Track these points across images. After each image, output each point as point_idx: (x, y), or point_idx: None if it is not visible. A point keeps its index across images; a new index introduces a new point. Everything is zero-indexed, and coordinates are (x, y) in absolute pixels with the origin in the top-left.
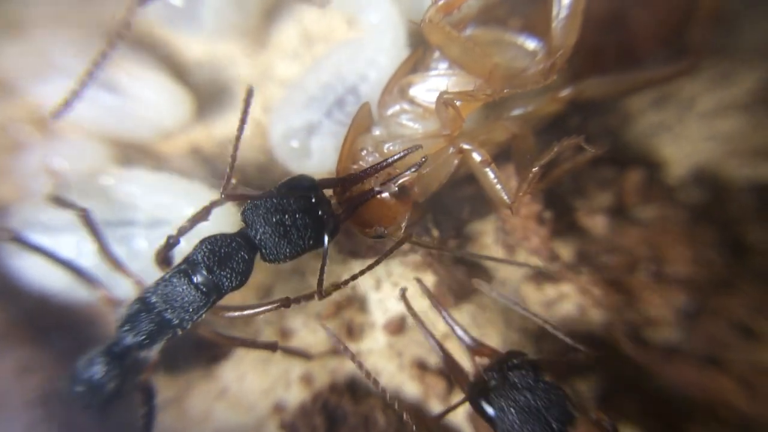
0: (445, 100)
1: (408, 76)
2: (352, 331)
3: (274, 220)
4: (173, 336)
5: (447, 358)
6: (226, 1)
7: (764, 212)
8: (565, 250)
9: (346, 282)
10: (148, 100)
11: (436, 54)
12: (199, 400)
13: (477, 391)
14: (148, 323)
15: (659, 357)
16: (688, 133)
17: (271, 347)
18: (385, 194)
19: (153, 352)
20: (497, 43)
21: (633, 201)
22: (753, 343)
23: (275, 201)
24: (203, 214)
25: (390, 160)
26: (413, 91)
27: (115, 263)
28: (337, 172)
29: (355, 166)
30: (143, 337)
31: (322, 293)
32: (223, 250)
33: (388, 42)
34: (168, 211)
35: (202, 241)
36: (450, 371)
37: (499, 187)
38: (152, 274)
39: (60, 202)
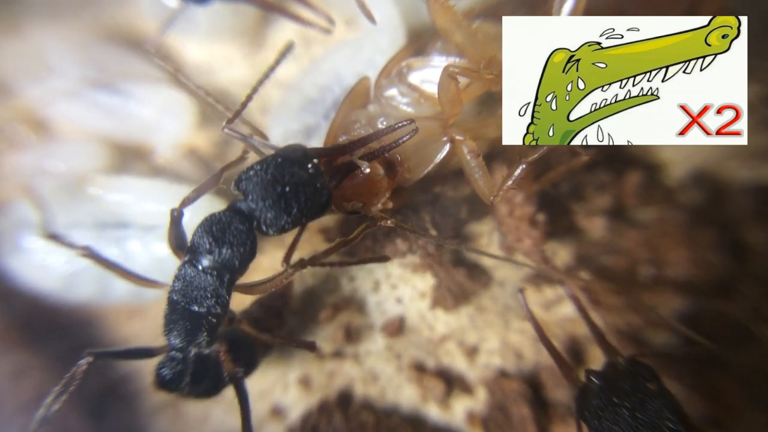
0: (450, 73)
1: (408, 59)
2: (351, 333)
3: (275, 191)
4: (211, 325)
5: (555, 355)
6: (222, 3)
7: (763, 214)
8: (564, 252)
9: (323, 264)
10: (147, 102)
11: (438, 44)
12: (196, 402)
13: (584, 400)
14: (182, 322)
15: (659, 360)
16: None
17: (310, 347)
18: (374, 168)
19: (214, 344)
20: (500, 38)
21: (632, 203)
22: (753, 346)
23: (273, 172)
24: (210, 184)
25: (382, 132)
26: (412, 77)
27: (140, 280)
28: (325, 141)
29: (343, 139)
30: (184, 334)
31: (289, 264)
32: (215, 228)
33: (387, 43)
34: (159, 218)
35: (197, 228)
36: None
37: (482, 180)
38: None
39: (60, 240)
